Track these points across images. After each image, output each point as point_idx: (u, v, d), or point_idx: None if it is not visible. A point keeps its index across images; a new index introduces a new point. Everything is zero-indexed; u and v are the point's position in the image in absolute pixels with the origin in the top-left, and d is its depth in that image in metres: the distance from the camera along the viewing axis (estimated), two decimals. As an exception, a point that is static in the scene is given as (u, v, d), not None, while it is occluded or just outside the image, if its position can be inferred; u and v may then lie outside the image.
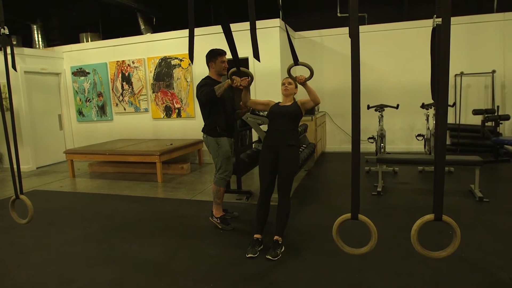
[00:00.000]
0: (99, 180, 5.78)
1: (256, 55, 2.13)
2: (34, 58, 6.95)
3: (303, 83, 2.81)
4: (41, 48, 8.39)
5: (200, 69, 6.48)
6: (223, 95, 3.22)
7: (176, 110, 6.74)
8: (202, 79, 3.31)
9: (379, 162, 4.28)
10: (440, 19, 1.45)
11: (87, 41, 8.25)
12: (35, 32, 8.95)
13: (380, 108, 5.55)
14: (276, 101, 3.24)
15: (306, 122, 5.67)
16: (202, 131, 3.38)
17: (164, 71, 6.71)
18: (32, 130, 6.88)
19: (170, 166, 5.91)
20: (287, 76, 3.11)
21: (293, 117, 3.01)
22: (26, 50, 6.79)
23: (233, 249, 2.91)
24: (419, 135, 5.77)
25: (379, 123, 5.78)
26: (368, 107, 5.73)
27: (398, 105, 5.50)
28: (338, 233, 1.68)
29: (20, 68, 6.60)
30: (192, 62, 2.29)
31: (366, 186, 4.68)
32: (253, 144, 4.19)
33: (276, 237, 2.84)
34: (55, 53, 7.50)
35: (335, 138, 7.44)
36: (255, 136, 6.13)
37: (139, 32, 7.76)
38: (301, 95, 3.14)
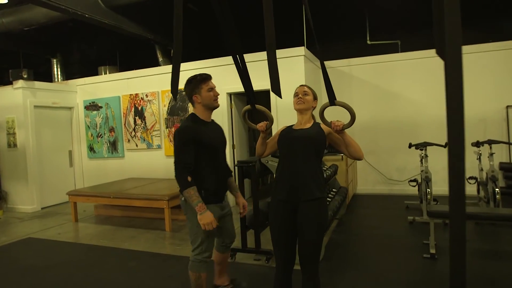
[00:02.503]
0: (102, 226, 5.17)
1: (276, 88, 1.48)
2: (45, 92, 6.65)
3: (341, 132, 2.00)
4: (59, 82, 8.19)
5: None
6: (213, 141, 2.38)
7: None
8: (185, 120, 2.40)
9: (431, 216, 3.45)
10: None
11: (105, 74, 7.99)
12: (55, 66, 8.85)
13: (424, 146, 4.75)
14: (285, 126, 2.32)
15: (336, 163, 4.93)
16: (180, 191, 2.32)
17: (179, 105, 6.22)
18: (39, 167, 6.46)
19: (181, 210, 5.24)
20: (302, 84, 2.32)
21: (316, 146, 2.09)
22: (37, 84, 6.50)
23: None
24: (470, 177, 4.90)
25: (422, 163, 4.97)
26: (410, 146, 4.95)
27: (447, 144, 4.68)
28: None
29: (30, 102, 6.29)
30: (175, 98, 1.69)
31: (412, 243, 3.83)
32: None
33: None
34: (68, 87, 7.21)
35: (367, 179, 6.61)
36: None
37: (157, 65, 7.41)
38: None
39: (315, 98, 2.22)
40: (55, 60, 8.82)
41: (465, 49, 5.95)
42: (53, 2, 4.81)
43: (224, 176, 2.53)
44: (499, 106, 5.81)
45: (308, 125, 2.16)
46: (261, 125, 2.16)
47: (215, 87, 2.42)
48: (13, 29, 6.31)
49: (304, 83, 5.48)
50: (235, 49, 1.85)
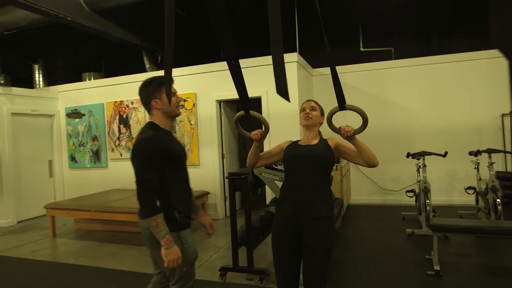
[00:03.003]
0: (82, 241, 4.83)
1: (282, 89, 1.25)
2: (24, 99, 6.29)
3: (351, 138, 1.85)
4: (41, 88, 7.84)
5: (206, 110, 5.70)
6: (180, 153, 1.99)
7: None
8: (143, 130, 1.94)
9: (434, 230, 3.25)
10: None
11: (89, 80, 7.66)
12: (36, 72, 8.51)
13: (422, 156, 4.58)
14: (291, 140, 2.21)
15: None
16: (143, 218, 1.86)
17: (166, 113, 5.93)
18: (16, 178, 6.08)
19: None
20: (309, 100, 2.19)
21: (323, 164, 1.98)
22: (15, 90, 6.14)
23: None
24: (469, 187, 4.74)
25: (419, 173, 4.80)
26: (408, 155, 4.77)
27: (446, 153, 4.53)
28: None
29: (6, 109, 5.93)
30: (170, 102, 1.44)
31: (413, 258, 3.62)
32: (270, 207, 3.26)
33: None
34: (49, 93, 6.86)
35: (361, 189, 6.41)
36: (269, 192, 5.20)
37: (144, 71, 7.14)
38: (328, 132, 1.99)
39: (322, 113, 2.14)
40: (36, 65, 8.49)
41: (459, 56, 5.88)
42: (32, 3, 4.53)
43: (191, 194, 2.10)
44: (494, 115, 5.70)
45: (315, 141, 2.06)
46: (255, 133, 1.98)
47: (177, 92, 2.08)
48: (-9, 32, 5.99)
49: (297, 91, 5.32)
50: (231, 53, 1.63)
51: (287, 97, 1.21)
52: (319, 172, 1.97)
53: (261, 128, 1.99)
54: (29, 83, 8.33)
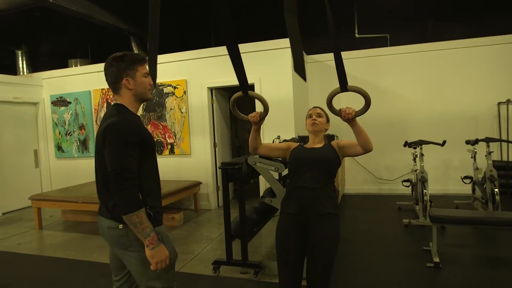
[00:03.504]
0: (70, 233, 4.66)
1: (300, 67, 1.14)
2: (5, 86, 6.01)
3: (352, 120, 1.79)
4: (24, 75, 7.53)
5: (197, 98, 5.51)
6: (151, 138, 1.71)
7: (169, 146, 5.70)
8: (115, 113, 1.62)
9: (434, 222, 3.16)
10: None
11: (75, 67, 7.37)
12: (20, 58, 8.18)
13: (419, 145, 4.48)
14: (298, 143, 2.24)
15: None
16: (112, 218, 1.61)
17: (156, 100, 5.73)
18: (0, 169, 5.84)
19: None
20: (315, 106, 2.24)
21: (327, 166, 2.01)
22: (-4, 77, 5.86)
23: None
24: (466, 177, 4.68)
25: (415, 162, 4.71)
26: (406, 144, 4.67)
27: (444, 142, 4.43)
28: None
29: (-13, 97, 5.67)
30: (154, 85, 1.29)
31: (411, 249, 3.54)
32: (265, 199, 3.13)
33: None
34: (33, 80, 6.58)
35: (355, 178, 6.33)
36: (263, 182, 5.05)
37: (130, 57, 6.87)
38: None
39: (328, 120, 2.20)
40: (20, 51, 8.16)
41: (455, 44, 5.77)
42: (11, -17, 4.26)
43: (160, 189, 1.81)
44: (491, 103, 5.63)
45: (320, 145, 2.11)
46: (254, 115, 1.94)
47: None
48: (-30, 17, 5.68)
49: (291, 78, 5.14)
50: (230, 36, 1.51)
51: (304, 75, 1.10)
52: (324, 174, 1.99)
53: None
54: (13, 70, 8.00)
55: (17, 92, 6.19)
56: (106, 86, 6.12)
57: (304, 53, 6.09)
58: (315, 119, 2.12)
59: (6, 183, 5.98)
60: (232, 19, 1.52)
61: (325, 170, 2.00)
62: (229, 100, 5.78)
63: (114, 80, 1.68)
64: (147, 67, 1.72)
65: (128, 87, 1.67)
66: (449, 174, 5.87)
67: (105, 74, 1.72)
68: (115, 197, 1.51)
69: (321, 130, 2.14)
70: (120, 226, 1.58)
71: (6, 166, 6.00)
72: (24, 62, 8.22)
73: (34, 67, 8.40)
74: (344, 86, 1.56)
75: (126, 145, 1.53)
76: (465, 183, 4.75)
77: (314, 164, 2.00)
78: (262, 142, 2.15)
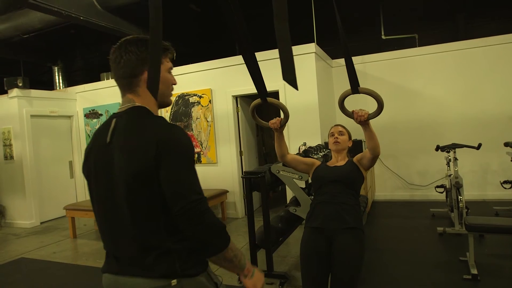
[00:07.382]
0: (101, 242, 4.79)
1: (289, 75, 1.08)
2: (42, 101, 6.33)
3: (365, 123, 1.77)
4: (59, 90, 7.92)
5: (222, 106, 5.55)
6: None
7: (196, 155, 5.77)
8: (167, 123, 1.16)
9: (469, 230, 2.98)
10: None
11: (107, 80, 7.67)
12: (56, 74, 8.62)
13: (453, 148, 4.27)
14: (321, 162, 2.30)
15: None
16: (156, 276, 1.10)
17: (182, 110, 5.84)
18: (38, 180, 6.14)
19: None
20: (337, 124, 2.26)
21: (351, 183, 2.05)
22: (34, 92, 6.18)
23: None
24: (505, 181, 4.40)
25: (449, 167, 4.48)
26: (438, 148, 4.47)
27: (480, 145, 4.20)
28: None
29: (26, 111, 5.98)
30: (155, 96, 1.14)
31: (446, 260, 3.35)
32: (290, 207, 3.08)
33: None
34: (67, 95, 6.90)
35: (385, 184, 6.12)
36: (290, 190, 4.97)
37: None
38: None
39: (350, 138, 2.23)
40: (56, 67, 8.59)
41: (489, 40, 5.49)
42: (43, 3, 4.49)
43: None
44: (532, 102, 5.29)
45: (342, 162, 2.15)
46: (274, 122, 1.95)
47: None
48: (10, 36, 6.04)
49: (316, 83, 5.07)
50: (245, 44, 1.49)
51: (295, 84, 1.04)
52: (347, 190, 2.01)
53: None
54: (50, 86, 8.44)
55: (53, 106, 6.50)
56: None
57: (328, 57, 6.00)
58: (337, 137, 2.16)
59: (44, 193, 6.26)
60: (246, 26, 1.50)
61: (348, 187, 2.02)
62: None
63: (131, 72, 1.18)
64: (170, 61, 1.30)
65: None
66: (487, 178, 5.54)
67: (114, 63, 1.22)
68: (198, 234, 1.09)
69: (343, 148, 2.18)
70: (174, 281, 1.09)
71: (43, 177, 6.29)
72: (60, 77, 8.65)
73: (70, 82, 8.81)
74: (355, 87, 1.53)
75: (193, 165, 1.14)
76: (505, 188, 4.46)
77: (338, 181, 2.03)
78: (288, 151, 2.18)
